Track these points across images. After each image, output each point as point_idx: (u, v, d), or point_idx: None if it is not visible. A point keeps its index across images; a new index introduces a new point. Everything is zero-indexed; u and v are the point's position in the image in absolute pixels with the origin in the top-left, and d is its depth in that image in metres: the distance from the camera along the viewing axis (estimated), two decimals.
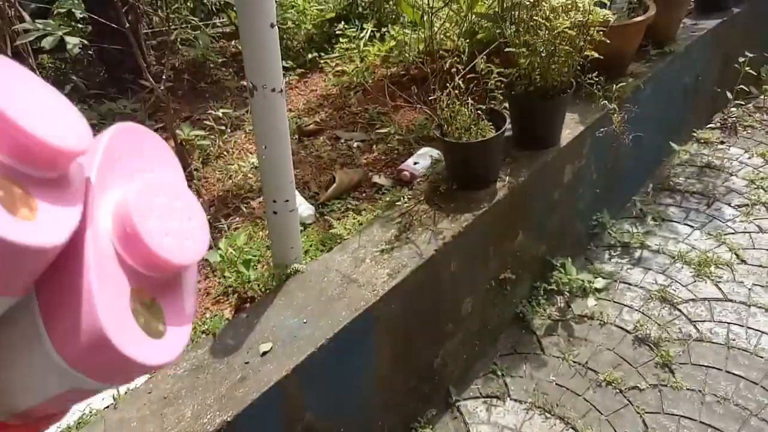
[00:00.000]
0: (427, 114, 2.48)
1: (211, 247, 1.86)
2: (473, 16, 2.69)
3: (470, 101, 1.63)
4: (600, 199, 2.26)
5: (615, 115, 1.73)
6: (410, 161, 2.09)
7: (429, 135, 2.35)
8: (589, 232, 2.28)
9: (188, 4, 3.61)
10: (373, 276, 1.53)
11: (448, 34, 2.87)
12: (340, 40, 3.23)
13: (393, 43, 3.12)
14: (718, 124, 2.73)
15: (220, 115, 2.65)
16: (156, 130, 3.24)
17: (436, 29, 2.91)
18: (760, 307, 1.93)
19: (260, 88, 1.33)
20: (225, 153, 2.56)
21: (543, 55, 1.64)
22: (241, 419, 1.24)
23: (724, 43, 2.59)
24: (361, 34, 3.22)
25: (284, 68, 3.15)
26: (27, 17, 1.95)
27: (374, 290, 1.48)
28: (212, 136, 2.59)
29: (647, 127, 2.21)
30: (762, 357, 1.79)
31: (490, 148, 1.68)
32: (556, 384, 1.80)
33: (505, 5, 2.32)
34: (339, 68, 3.11)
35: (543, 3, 1.60)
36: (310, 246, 1.79)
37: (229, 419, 1.22)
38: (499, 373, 1.88)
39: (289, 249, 1.59)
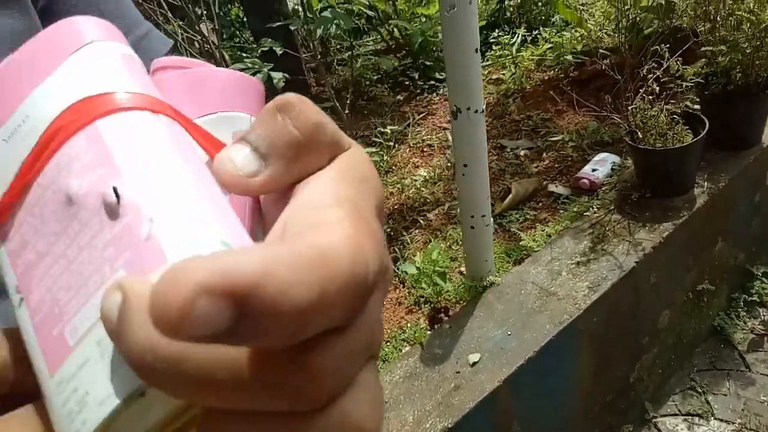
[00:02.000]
0: (596, 117, 2.41)
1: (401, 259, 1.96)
2: (637, 11, 2.57)
3: (666, 105, 1.58)
4: None
5: None
6: (588, 168, 2.05)
7: (602, 140, 2.29)
8: None
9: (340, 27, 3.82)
10: (572, 289, 1.52)
11: (606, 31, 2.78)
12: (493, 47, 3.23)
13: (548, 45, 3.07)
14: None
15: (388, 132, 2.78)
16: None
17: (594, 27, 2.82)
18: None
19: (464, 111, 1.39)
20: (393, 167, 2.67)
21: (748, 51, 1.54)
22: (459, 427, 1.30)
23: None
24: (513, 39, 3.21)
25: (437, 80, 3.24)
26: (226, 56, 2.20)
27: (576, 304, 1.48)
28: (381, 152, 2.71)
29: None
30: None
31: (689, 154, 1.61)
32: None
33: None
34: (494, 76, 3.12)
35: None
36: (496, 258, 1.82)
37: (449, 426, 1.28)
38: (699, 389, 1.78)
39: (484, 262, 1.63)
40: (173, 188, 0.19)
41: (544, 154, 2.39)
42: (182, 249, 0.17)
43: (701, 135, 1.58)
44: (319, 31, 1.68)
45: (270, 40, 1.89)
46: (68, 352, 0.17)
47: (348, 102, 2.68)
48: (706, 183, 1.70)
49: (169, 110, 0.21)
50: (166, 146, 0.20)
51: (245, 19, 3.80)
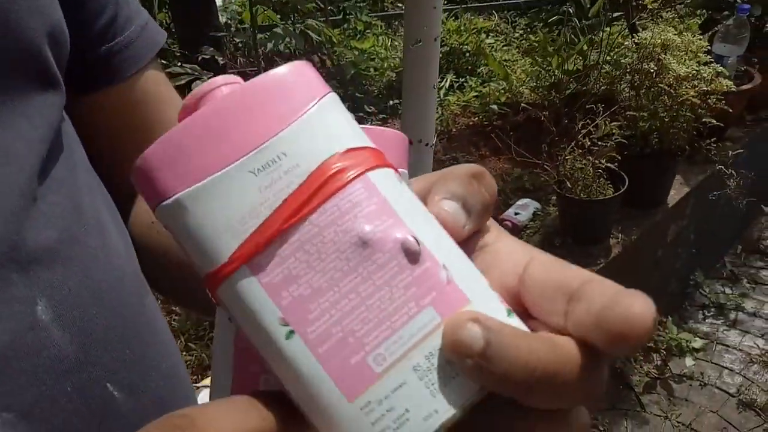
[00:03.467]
0: (520, 165, 2.55)
1: None
2: (562, 74, 2.78)
3: (593, 159, 1.70)
4: (695, 259, 2.28)
5: (732, 179, 1.78)
6: (510, 212, 2.15)
7: (524, 187, 2.42)
8: (684, 291, 2.30)
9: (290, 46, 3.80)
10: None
11: (527, 87, 2.98)
12: None
13: (473, 93, 3.24)
14: None
15: None
16: None
17: (518, 83, 3.01)
18: None
19: (416, 143, 1.42)
20: None
21: (666, 120, 1.71)
22: None
23: None
24: (441, 84, 3.34)
25: (367, 113, 3.29)
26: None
27: None
28: None
29: (742, 191, 2.24)
30: None
31: (610, 206, 1.74)
32: None
33: (599, 67, 2.41)
34: None
35: (668, 72, 1.67)
36: None
37: None
38: (601, 428, 1.88)
39: None
40: (445, 236, 0.22)
41: None
42: (474, 291, 0.21)
43: (621, 190, 1.71)
44: (269, 45, 1.65)
45: (212, 48, 1.84)
46: (375, 378, 0.19)
47: None
48: (620, 235, 1.84)
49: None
50: (416, 199, 0.23)
51: (171, 26, 3.68)
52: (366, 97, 3.37)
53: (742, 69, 2.18)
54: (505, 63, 3.36)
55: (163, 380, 0.34)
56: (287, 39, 1.79)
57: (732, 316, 2.21)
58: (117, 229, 0.34)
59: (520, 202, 2.22)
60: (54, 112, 0.31)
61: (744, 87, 2.08)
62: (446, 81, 3.36)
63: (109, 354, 0.30)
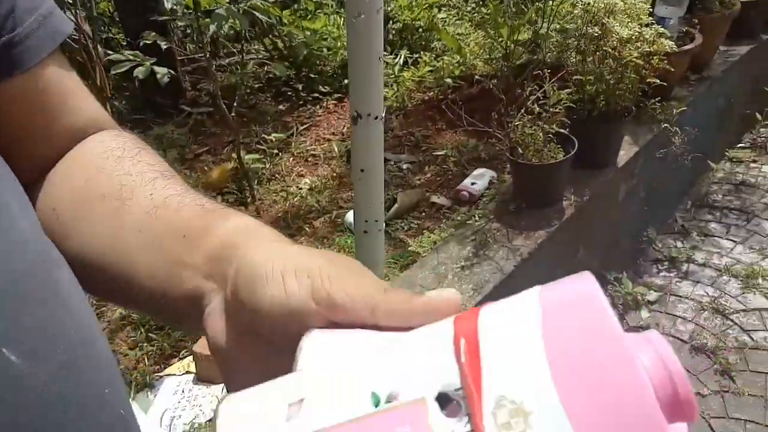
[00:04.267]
0: (475, 136, 2.59)
1: None
2: (511, 44, 2.81)
3: (542, 124, 1.74)
4: (647, 216, 2.36)
5: (677, 137, 1.84)
6: (467, 181, 2.19)
7: (480, 157, 2.46)
8: (638, 247, 2.38)
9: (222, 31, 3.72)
10: (458, 291, 1.61)
11: (480, 59, 3.00)
12: None
13: (428, 68, 3.24)
14: (749, 144, 2.87)
15: (273, 139, 2.75)
16: (201, 155, 3.26)
17: (471, 55, 3.03)
18: None
19: (364, 116, 1.42)
20: (276, 175, 2.65)
21: (611, 82, 1.75)
22: None
23: (754, 68, 2.74)
24: (395, 60, 3.34)
25: (322, 93, 3.27)
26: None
27: (462, 305, 1.56)
28: (264, 160, 2.68)
29: (686, 147, 2.32)
30: None
31: (561, 170, 1.78)
32: None
33: (548, 34, 2.44)
34: None
35: (611, 35, 1.71)
36: (384, 264, 1.87)
37: None
38: None
39: (375, 266, 1.67)
40: None
41: (426, 168, 2.51)
42: None
43: (571, 153, 1.76)
44: (212, 27, 1.63)
45: (154, 33, 1.80)
46: None
47: (232, 108, 2.61)
48: (572, 197, 1.89)
49: None
50: None
51: (115, 15, 3.58)
52: (320, 77, 3.34)
53: (683, 30, 2.24)
54: (458, 36, 3.37)
55: (74, 348, 0.33)
56: (231, 20, 1.76)
57: (684, 268, 2.30)
58: (20, 208, 0.34)
59: (476, 172, 2.26)
60: None
61: (685, 47, 2.15)
62: (400, 57, 3.36)
63: (4, 319, 0.30)
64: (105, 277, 0.39)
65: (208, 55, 1.97)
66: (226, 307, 0.33)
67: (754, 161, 2.74)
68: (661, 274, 2.31)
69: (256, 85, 3.42)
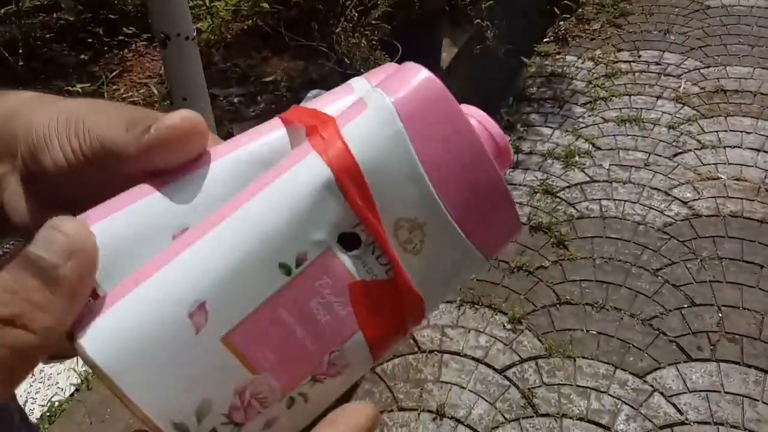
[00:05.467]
0: (304, 59, 2.51)
1: None
2: None
3: (365, 32, 1.72)
4: None
5: (489, 31, 1.93)
6: (303, 105, 2.14)
7: (311, 78, 2.40)
8: None
9: None
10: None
11: None
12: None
13: None
14: (552, 38, 3.11)
15: (79, 90, 2.45)
16: None
17: None
18: (618, 182, 2.32)
19: (173, 37, 1.30)
20: None
21: None
22: None
23: None
24: None
25: (128, 36, 2.96)
26: None
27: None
28: None
29: (500, 45, 2.46)
30: (628, 220, 2.16)
31: None
32: (476, 280, 2.02)
33: None
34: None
35: None
36: None
37: None
38: None
39: None
40: None
41: (259, 98, 2.41)
42: None
43: (396, 58, 1.77)
44: None
45: None
46: None
47: (20, 64, 2.26)
48: None
49: None
50: None
51: None
52: (123, 18, 3.01)
53: None
54: None
55: None
56: None
57: (514, 158, 2.49)
58: None
59: (310, 94, 2.20)
60: None
61: None
62: None
63: None
64: None
65: None
66: (23, 185, 0.30)
67: (558, 53, 2.99)
68: None
69: (48, 36, 3.00)
